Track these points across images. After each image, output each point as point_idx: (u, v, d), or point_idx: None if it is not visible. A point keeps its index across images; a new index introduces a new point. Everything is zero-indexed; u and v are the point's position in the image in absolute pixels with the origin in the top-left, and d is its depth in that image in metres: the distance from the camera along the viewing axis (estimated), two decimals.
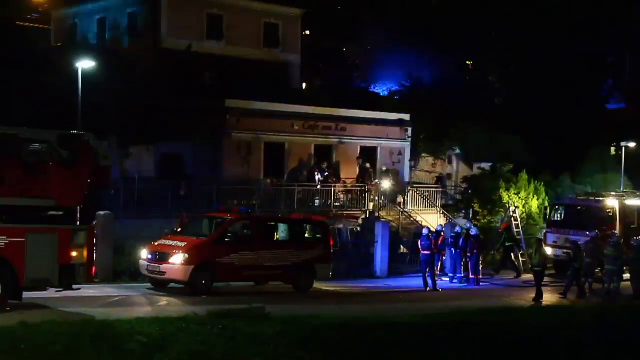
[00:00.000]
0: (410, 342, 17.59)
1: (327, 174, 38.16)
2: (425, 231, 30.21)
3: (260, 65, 46.09)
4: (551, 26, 52.88)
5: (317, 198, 36.78)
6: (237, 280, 25.73)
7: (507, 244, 34.93)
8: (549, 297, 29.21)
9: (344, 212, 36.40)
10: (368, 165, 40.20)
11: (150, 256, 24.60)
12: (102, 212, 25.42)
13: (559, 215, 35.68)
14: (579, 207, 35.31)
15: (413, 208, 39.61)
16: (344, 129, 41.29)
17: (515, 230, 36.01)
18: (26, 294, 19.23)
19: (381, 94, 54.73)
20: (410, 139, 43.97)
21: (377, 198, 38.75)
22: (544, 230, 36.30)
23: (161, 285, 24.64)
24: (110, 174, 22.50)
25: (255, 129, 38.36)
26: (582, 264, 28.85)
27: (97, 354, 14.53)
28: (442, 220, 37.80)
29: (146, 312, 20.07)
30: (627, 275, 29.88)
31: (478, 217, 38.89)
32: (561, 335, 19.63)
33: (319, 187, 37.09)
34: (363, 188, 38.53)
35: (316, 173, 37.95)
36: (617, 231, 32.35)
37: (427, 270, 29.17)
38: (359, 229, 34.87)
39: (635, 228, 34.19)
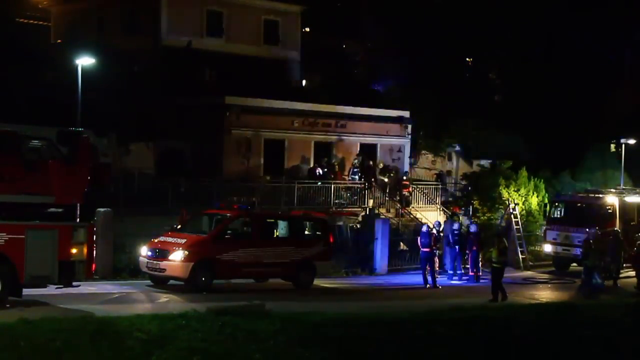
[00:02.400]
0: (410, 339, 17.59)
1: (325, 170, 38.15)
2: (424, 228, 30.22)
3: (260, 62, 46.05)
4: (551, 23, 52.89)
5: (317, 195, 36.73)
6: (237, 277, 25.72)
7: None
8: (549, 294, 29.22)
9: (344, 209, 36.40)
10: (372, 162, 40.18)
11: (150, 253, 24.60)
12: (101, 209, 25.43)
13: (558, 212, 35.68)
14: (578, 204, 35.33)
15: (413, 205, 39.60)
16: (344, 126, 41.29)
17: (515, 227, 36.06)
18: (26, 291, 19.23)
19: (381, 91, 54.71)
20: (410, 136, 43.96)
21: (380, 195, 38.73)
22: (544, 227, 36.34)
23: (161, 282, 24.64)
24: (109, 171, 22.53)
25: (255, 126, 38.35)
26: (595, 261, 28.63)
27: (97, 351, 14.53)
28: (442, 218, 37.79)
29: (146, 309, 20.08)
30: None
31: (478, 214, 38.89)
32: (561, 332, 19.64)
33: (319, 183, 37.06)
34: (363, 185, 38.51)
35: (317, 170, 37.95)
36: (617, 228, 32.41)
37: (427, 267, 29.18)
38: (358, 226, 34.87)
39: (635, 225, 34.24)
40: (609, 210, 34.07)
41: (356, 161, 39.14)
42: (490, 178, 40.11)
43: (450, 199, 42.39)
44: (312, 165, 39.22)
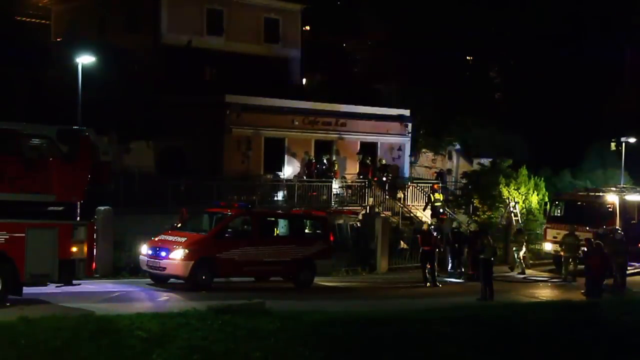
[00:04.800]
0: (410, 337, 17.59)
1: (325, 167, 38.13)
2: (424, 227, 30.19)
3: (260, 61, 46.03)
4: (551, 22, 52.84)
5: (318, 194, 36.72)
6: (237, 276, 25.74)
7: (435, 205, 36.69)
8: (549, 292, 29.21)
9: (344, 208, 36.40)
10: (369, 160, 40.15)
11: (150, 252, 24.62)
12: (102, 208, 25.42)
13: (559, 211, 35.67)
14: (579, 203, 35.32)
15: (413, 203, 39.60)
16: (344, 125, 41.27)
17: (515, 225, 36.07)
18: (26, 289, 19.24)
19: (381, 90, 54.65)
20: (410, 135, 43.96)
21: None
22: (544, 226, 36.33)
23: (161, 280, 24.66)
24: (110, 170, 22.51)
25: (255, 125, 38.34)
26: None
27: (97, 349, 14.53)
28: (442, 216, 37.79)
29: (146, 307, 20.09)
30: None
31: (478, 213, 38.89)
32: (561, 331, 19.64)
33: (317, 183, 37.02)
34: (363, 183, 38.49)
35: (317, 166, 37.98)
36: (618, 227, 32.42)
37: (427, 265, 29.18)
38: (359, 224, 34.85)
39: (636, 223, 34.22)
40: (609, 209, 34.06)
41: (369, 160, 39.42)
42: (491, 176, 40.10)
43: (451, 197, 42.41)
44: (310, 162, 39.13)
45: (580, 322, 20.93)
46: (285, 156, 39.31)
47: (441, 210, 36.46)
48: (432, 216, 36.76)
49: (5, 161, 18.93)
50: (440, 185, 39.88)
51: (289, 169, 38.90)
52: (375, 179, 39.03)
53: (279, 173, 38.39)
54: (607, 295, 27.63)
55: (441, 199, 37.64)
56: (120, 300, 21.26)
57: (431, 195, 37.62)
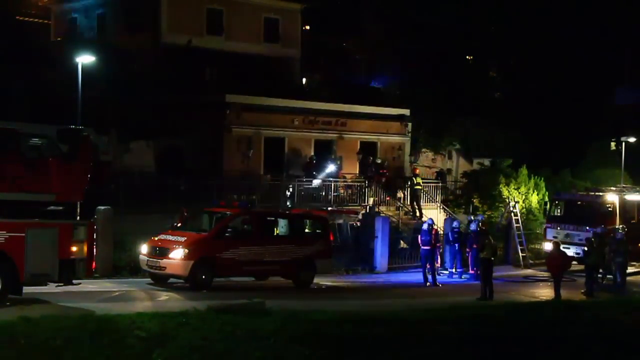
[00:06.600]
0: (410, 337, 17.58)
1: (333, 165, 38.20)
2: (425, 226, 30.23)
3: (260, 61, 46.04)
4: (551, 21, 52.88)
5: (315, 193, 36.71)
6: (237, 275, 25.74)
7: (415, 188, 37.94)
8: (549, 293, 29.18)
9: (344, 207, 36.39)
10: (372, 158, 40.11)
11: (150, 251, 24.61)
12: (102, 207, 25.42)
13: (558, 211, 35.69)
14: (579, 203, 35.34)
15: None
16: (344, 124, 41.26)
17: (515, 225, 36.06)
18: (26, 289, 19.23)
19: (381, 89, 54.67)
20: (410, 134, 43.96)
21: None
22: (544, 225, 36.35)
23: (161, 280, 24.66)
24: (110, 169, 22.50)
25: (256, 124, 38.34)
26: (597, 260, 28.61)
27: (97, 349, 14.51)
28: (442, 216, 37.83)
29: (146, 307, 20.08)
30: None
31: (478, 212, 38.88)
32: (561, 330, 19.63)
33: (314, 183, 36.97)
34: (363, 183, 38.50)
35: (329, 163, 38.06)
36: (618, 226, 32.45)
37: (427, 265, 29.17)
38: (359, 224, 34.84)
39: (636, 223, 34.26)
40: (609, 209, 34.08)
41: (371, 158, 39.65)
42: (490, 176, 40.14)
43: (451, 197, 42.41)
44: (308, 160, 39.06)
45: (580, 322, 20.92)
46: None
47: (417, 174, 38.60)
48: (411, 200, 38.14)
49: (5, 161, 18.92)
50: (419, 170, 41.25)
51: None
52: (376, 178, 39.03)
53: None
54: (608, 295, 27.66)
55: (421, 183, 38.50)
56: (120, 300, 21.25)
57: (413, 178, 38.06)
